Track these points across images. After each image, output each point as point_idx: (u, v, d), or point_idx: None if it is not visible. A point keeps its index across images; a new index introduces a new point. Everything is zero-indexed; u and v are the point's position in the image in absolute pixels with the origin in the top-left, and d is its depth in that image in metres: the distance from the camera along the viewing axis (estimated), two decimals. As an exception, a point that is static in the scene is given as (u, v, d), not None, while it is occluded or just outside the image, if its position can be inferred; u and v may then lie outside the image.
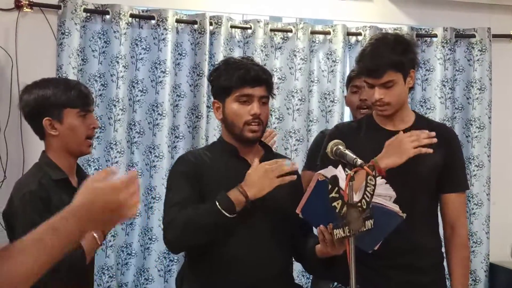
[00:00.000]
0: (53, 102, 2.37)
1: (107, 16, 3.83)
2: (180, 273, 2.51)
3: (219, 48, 3.94)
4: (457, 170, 2.53)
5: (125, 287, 3.91)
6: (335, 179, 2.00)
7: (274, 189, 2.22)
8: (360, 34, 4.16)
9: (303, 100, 4.05)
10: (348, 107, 3.25)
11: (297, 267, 3.24)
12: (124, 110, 3.81)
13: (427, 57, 4.23)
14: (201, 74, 3.91)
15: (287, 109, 4.05)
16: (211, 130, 3.93)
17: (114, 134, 3.80)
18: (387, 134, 2.48)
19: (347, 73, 4.11)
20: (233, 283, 2.26)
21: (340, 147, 2.15)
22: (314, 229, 2.36)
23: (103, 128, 3.81)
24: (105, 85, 3.82)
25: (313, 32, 4.12)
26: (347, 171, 2.05)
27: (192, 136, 3.94)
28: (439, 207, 2.56)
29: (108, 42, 3.84)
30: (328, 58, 4.12)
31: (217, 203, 2.19)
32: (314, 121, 4.09)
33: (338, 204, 1.99)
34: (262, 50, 4.00)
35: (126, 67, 3.83)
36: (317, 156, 2.73)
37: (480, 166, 4.20)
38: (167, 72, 3.87)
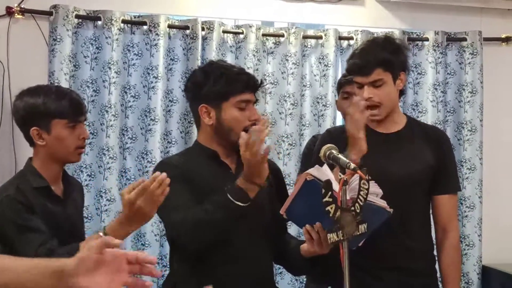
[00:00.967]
0: (41, 111, 2.34)
1: (99, 22, 3.83)
2: (169, 280, 2.45)
3: (211, 53, 3.94)
4: (449, 172, 2.54)
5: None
6: (328, 183, 2.00)
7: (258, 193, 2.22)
8: (352, 38, 4.17)
9: (295, 104, 4.06)
10: (339, 111, 3.26)
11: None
12: (116, 115, 3.81)
13: (419, 60, 4.25)
14: (193, 79, 3.90)
15: (280, 113, 4.06)
16: (204, 135, 3.92)
17: (106, 140, 3.80)
18: (379, 136, 2.49)
19: (339, 77, 4.13)
20: (235, 282, 2.28)
21: (333, 151, 2.15)
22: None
23: (95, 134, 3.81)
24: (97, 91, 3.82)
25: (305, 37, 4.13)
26: (340, 175, 2.05)
27: (184, 142, 3.94)
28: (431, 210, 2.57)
29: (100, 48, 3.83)
30: (320, 63, 4.13)
31: (228, 195, 2.17)
32: (307, 125, 4.10)
33: (331, 208, 1.99)
34: (254, 55, 4.00)
35: (118, 72, 3.83)
36: (310, 160, 2.74)
37: (472, 169, 4.22)
38: (159, 78, 3.87)
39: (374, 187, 2.14)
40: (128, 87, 3.90)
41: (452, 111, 4.30)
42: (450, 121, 4.29)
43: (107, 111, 3.79)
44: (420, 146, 2.46)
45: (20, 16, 3.72)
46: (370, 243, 2.18)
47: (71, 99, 2.39)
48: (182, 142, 3.94)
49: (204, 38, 3.97)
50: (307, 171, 2.11)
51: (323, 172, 2.10)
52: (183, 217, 2.20)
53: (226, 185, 2.21)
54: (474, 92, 4.26)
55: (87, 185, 3.77)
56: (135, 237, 3.87)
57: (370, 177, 2.04)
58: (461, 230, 4.13)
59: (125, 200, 2.01)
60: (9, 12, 3.70)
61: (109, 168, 3.80)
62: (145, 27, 3.90)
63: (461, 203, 4.18)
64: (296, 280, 3.95)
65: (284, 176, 3.54)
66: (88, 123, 3.80)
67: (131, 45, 3.91)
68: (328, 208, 1.99)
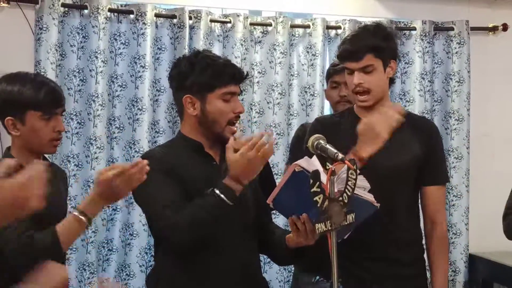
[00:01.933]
0: (16, 100, 2.26)
1: (85, 11, 3.80)
2: (153, 275, 2.43)
3: (199, 42, 3.93)
4: (437, 163, 2.55)
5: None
6: (316, 173, 2.00)
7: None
8: (339, 27, 4.16)
9: (283, 94, 4.05)
10: (328, 101, 3.26)
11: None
12: (103, 105, 3.79)
13: (406, 50, 4.25)
14: (181, 69, 3.89)
15: (268, 103, 4.05)
16: (192, 125, 3.91)
17: (93, 129, 3.78)
18: (368, 127, 2.49)
19: (327, 66, 4.12)
20: (221, 276, 2.27)
21: (321, 141, 2.15)
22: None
23: (82, 124, 3.79)
24: (84, 81, 3.80)
25: (292, 26, 4.12)
26: (328, 166, 2.05)
27: (172, 131, 3.93)
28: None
29: (86, 37, 3.81)
30: (308, 52, 4.12)
31: (219, 193, 2.17)
32: (295, 114, 4.09)
33: (319, 198, 1.99)
34: (242, 44, 3.99)
35: (105, 62, 3.80)
36: (298, 150, 2.74)
37: (459, 158, 4.23)
38: (146, 67, 3.85)
39: (362, 181, 2.14)
40: (115, 76, 3.88)
41: (439, 101, 4.31)
42: (437, 110, 4.30)
43: (94, 101, 3.78)
44: (409, 137, 2.46)
45: (5, 5, 3.69)
46: (358, 234, 2.18)
47: (48, 90, 2.31)
48: (170, 132, 3.93)
49: (192, 27, 3.95)
50: (296, 162, 2.10)
51: (312, 164, 2.10)
52: (176, 220, 2.17)
53: (214, 183, 2.20)
54: (461, 81, 4.27)
55: (74, 175, 3.76)
56: (123, 227, 3.86)
57: (358, 169, 2.04)
58: (448, 219, 4.15)
59: (103, 177, 2.08)
60: (-5, 0, 3.67)
61: (96, 158, 3.79)
62: (132, 16, 3.88)
63: (448, 192, 4.20)
64: (284, 269, 3.97)
65: (272, 165, 3.57)
66: (75, 113, 3.79)
67: (118, 34, 3.88)
68: (316, 198, 1.98)
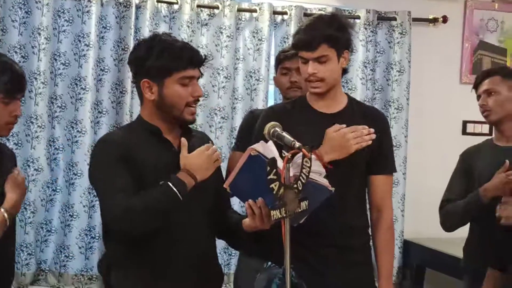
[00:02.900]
0: None
1: (29, -14, 3.70)
2: (104, 261, 2.41)
3: (145, 22, 3.88)
4: (386, 153, 2.60)
5: (44, 264, 3.84)
6: (273, 161, 2.02)
7: None
8: (285, 13, 4.18)
9: (228, 78, 4.05)
10: (277, 87, 3.27)
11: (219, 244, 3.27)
12: (45, 83, 3.71)
13: (350, 38, 4.30)
14: (126, 49, 3.84)
15: (213, 86, 4.04)
16: (136, 106, 3.86)
17: (34, 108, 3.70)
18: (320, 116, 2.52)
19: (273, 51, 4.15)
20: (172, 261, 2.26)
21: (277, 129, 2.17)
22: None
23: (23, 101, 3.65)
24: (26, 57, 3.71)
25: (239, 10, 4.11)
26: (284, 153, 2.07)
27: (116, 112, 3.88)
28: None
29: (29, 13, 3.71)
30: (254, 37, 4.13)
31: (171, 186, 2.16)
32: (239, 99, 4.10)
33: (275, 186, 2.01)
34: (188, 26, 3.96)
35: (48, 39, 3.72)
36: (247, 136, 2.74)
37: (398, 146, 4.33)
38: (91, 46, 3.79)
39: (318, 167, 2.17)
40: (58, 54, 3.80)
41: (380, 89, 4.39)
42: (378, 99, 4.38)
43: (35, 78, 3.69)
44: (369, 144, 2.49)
45: None
46: (309, 221, 2.21)
47: (12, 75, 2.27)
48: (113, 112, 3.88)
49: (138, 7, 3.90)
50: (251, 146, 2.11)
51: (268, 148, 2.11)
52: (128, 206, 2.14)
53: (172, 170, 2.20)
54: (401, 71, 4.36)
55: (13, 154, 3.66)
56: (63, 208, 3.80)
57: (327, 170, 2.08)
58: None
59: (22, 178, 2.31)
60: None
61: (37, 137, 3.71)
62: (77, -7, 3.80)
63: (386, 179, 4.28)
64: (225, 252, 3.99)
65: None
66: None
67: (62, 11, 3.80)
68: (272, 185, 2.00)
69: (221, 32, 4.05)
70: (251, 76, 4.12)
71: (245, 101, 4.11)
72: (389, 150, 2.63)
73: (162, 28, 3.95)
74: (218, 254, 2.45)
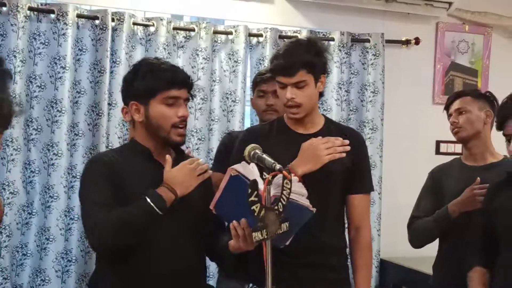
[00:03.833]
0: None
1: (4, 8, 3.69)
2: (93, 276, 2.45)
3: (121, 45, 3.89)
4: (363, 173, 2.64)
5: (19, 288, 3.79)
6: (254, 182, 2.03)
7: None
8: (261, 35, 4.22)
9: (205, 99, 4.07)
10: (254, 109, 3.30)
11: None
12: (21, 106, 3.68)
13: (325, 60, 4.35)
14: (102, 71, 3.84)
15: (189, 108, 4.04)
16: (112, 128, 3.87)
17: (10, 131, 3.66)
18: (298, 137, 2.55)
19: (248, 73, 4.19)
20: (152, 277, 2.26)
21: (258, 151, 2.19)
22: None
23: (-2, 124, 3.66)
24: (1, 80, 3.68)
25: (215, 32, 4.14)
26: (265, 176, 2.09)
27: (92, 134, 3.87)
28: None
29: (4, 36, 3.70)
30: (230, 58, 4.16)
31: (148, 200, 2.18)
32: (216, 120, 4.12)
33: (256, 208, 2.03)
34: (164, 48, 3.98)
35: (24, 61, 3.71)
36: (225, 158, 2.76)
37: (373, 166, 4.36)
38: (67, 68, 3.78)
39: (300, 188, 2.20)
40: (34, 76, 3.78)
41: (355, 110, 4.44)
42: (353, 119, 4.43)
43: (11, 101, 3.66)
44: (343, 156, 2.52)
45: None
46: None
47: (5, 108, 2.14)
48: (90, 135, 3.86)
49: (114, 30, 3.91)
50: (232, 167, 2.13)
51: (249, 169, 2.14)
52: (102, 217, 2.18)
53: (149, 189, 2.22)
54: (376, 92, 4.41)
55: (-12, 178, 3.64)
56: (39, 231, 3.77)
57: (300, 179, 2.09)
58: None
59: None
60: None
61: (12, 160, 3.68)
62: (52, 15, 3.79)
63: (362, 199, 4.32)
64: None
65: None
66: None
67: (38, 33, 3.79)
68: (253, 207, 2.02)
69: (197, 54, 4.08)
70: (227, 98, 4.15)
71: (222, 123, 4.12)
72: (366, 170, 2.67)
73: (138, 51, 3.97)
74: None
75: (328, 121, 2.66)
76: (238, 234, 2.18)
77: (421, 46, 4.62)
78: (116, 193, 2.24)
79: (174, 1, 4.14)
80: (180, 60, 4.05)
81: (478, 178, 2.85)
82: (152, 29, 4.00)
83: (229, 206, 2.18)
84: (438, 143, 4.68)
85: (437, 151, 4.70)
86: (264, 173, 2.12)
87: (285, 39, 4.14)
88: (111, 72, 3.87)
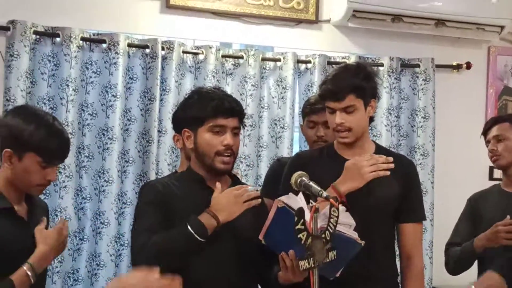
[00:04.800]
0: (24, 140, 2.25)
1: (58, 39, 3.78)
2: None
3: (171, 73, 3.94)
4: (414, 201, 2.60)
5: (71, 314, 3.83)
6: (300, 211, 2.02)
7: (239, 215, 2.27)
8: (309, 62, 4.22)
9: (253, 126, 4.08)
10: (304, 136, 3.29)
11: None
12: (73, 134, 3.76)
13: (374, 85, 4.33)
14: (152, 99, 3.89)
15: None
16: (162, 155, 3.91)
17: (62, 158, 3.74)
18: (347, 163, 2.53)
19: (297, 99, 4.19)
20: None
21: (304, 178, 2.18)
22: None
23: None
24: (54, 108, 3.76)
25: (263, 59, 4.16)
26: (312, 203, 2.08)
27: (142, 161, 3.91)
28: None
29: (58, 65, 3.79)
30: (278, 85, 4.17)
31: (189, 227, 2.20)
32: (265, 147, 4.12)
33: (303, 236, 2.02)
34: (213, 76, 4.02)
35: (76, 90, 3.78)
36: (274, 183, 2.76)
37: (424, 192, 4.29)
38: (118, 96, 3.84)
39: (347, 218, 2.18)
40: (86, 105, 3.85)
41: (405, 136, 4.39)
42: (403, 145, 4.38)
43: (64, 129, 3.74)
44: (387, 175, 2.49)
45: (-25, 31, 3.65)
46: (338, 270, 2.21)
47: (59, 144, 2.31)
48: (140, 162, 3.91)
49: (164, 58, 3.96)
50: (278, 198, 2.13)
51: (295, 199, 2.13)
52: (144, 242, 2.22)
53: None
54: (426, 117, 4.36)
55: (41, 204, 3.70)
56: (90, 257, 3.81)
57: (346, 206, 2.07)
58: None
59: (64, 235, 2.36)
60: (-35, 26, 3.63)
61: (65, 186, 3.74)
62: (104, 45, 3.87)
63: (413, 226, 4.25)
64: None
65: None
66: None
67: (90, 62, 3.87)
68: (300, 235, 2.01)
69: (246, 81, 4.10)
70: (276, 124, 4.15)
71: (270, 149, 4.13)
72: (418, 198, 2.63)
73: (188, 79, 4.01)
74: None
75: (379, 147, 2.64)
76: (287, 265, 2.16)
77: (472, 70, 4.55)
78: (167, 220, 2.27)
79: (223, 29, 4.18)
80: (229, 88, 4.08)
81: (508, 216, 2.81)
82: (201, 57, 4.04)
83: (278, 237, 2.18)
84: (491, 168, 4.58)
85: (491, 177, 4.60)
86: (311, 200, 2.10)
87: (333, 65, 4.13)
88: (161, 99, 3.92)
